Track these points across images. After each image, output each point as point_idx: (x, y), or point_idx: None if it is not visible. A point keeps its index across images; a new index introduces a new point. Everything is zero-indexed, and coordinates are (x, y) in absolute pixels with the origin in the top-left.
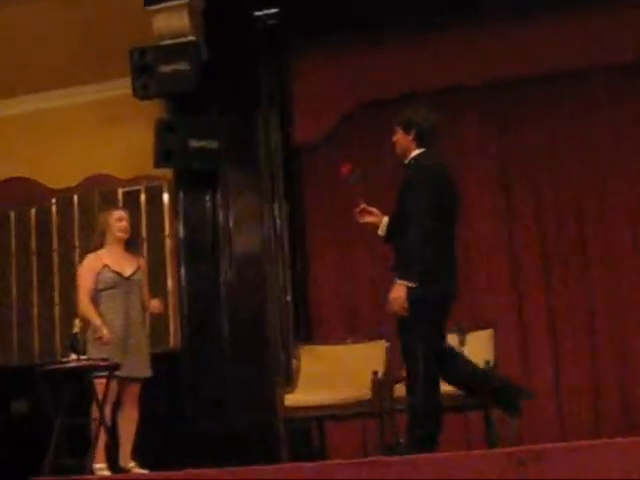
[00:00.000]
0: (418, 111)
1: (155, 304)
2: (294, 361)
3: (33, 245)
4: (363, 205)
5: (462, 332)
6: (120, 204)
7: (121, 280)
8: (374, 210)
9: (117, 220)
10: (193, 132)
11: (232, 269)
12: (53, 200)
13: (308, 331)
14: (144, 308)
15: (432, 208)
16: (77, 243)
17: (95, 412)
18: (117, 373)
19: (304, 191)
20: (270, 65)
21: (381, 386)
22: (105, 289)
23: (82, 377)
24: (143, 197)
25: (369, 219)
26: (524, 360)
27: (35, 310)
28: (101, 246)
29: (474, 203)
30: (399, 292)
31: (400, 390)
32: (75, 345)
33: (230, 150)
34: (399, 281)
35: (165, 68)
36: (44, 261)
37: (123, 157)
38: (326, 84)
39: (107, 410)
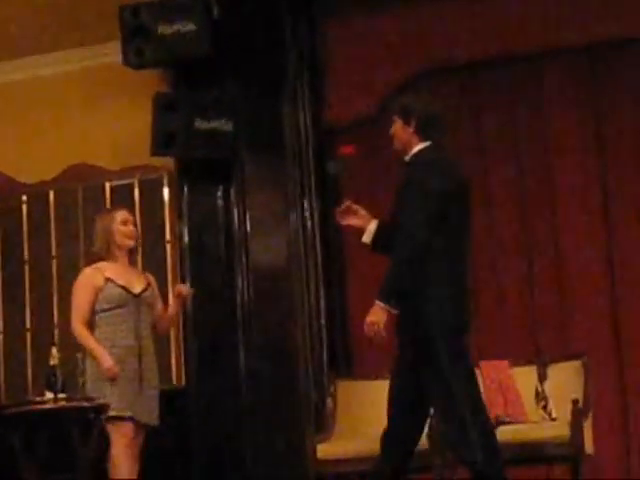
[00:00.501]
0: (419, 97)
1: (181, 288)
2: (329, 401)
3: None
4: (348, 203)
5: (543, 363)
6: (107, 202)
7: (130, 298)
8: (360, 210)
9: (122, 223)
10: (201, 111)
11: (250, 284)
12: (23, 197)
13: (347, 363)
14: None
15: (432, 217)
16: (54, 252)
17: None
18: (130, 414)
19: (341, 185)
20: (298, 26)
21: (439, 435)
22: (110, 308)
23: (61, 422)
24: (137, 193)
25: (352, 221)
26: (621, 397)
27: (0, 336)
28: (101, 258)
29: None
30: (376, 316)
31: None
32: (52, 381)
33: (248, 133)
34: (379, 303)
35: (165, 29)
36: (12, 275)
37: (112, 143)
38: (369, 51)
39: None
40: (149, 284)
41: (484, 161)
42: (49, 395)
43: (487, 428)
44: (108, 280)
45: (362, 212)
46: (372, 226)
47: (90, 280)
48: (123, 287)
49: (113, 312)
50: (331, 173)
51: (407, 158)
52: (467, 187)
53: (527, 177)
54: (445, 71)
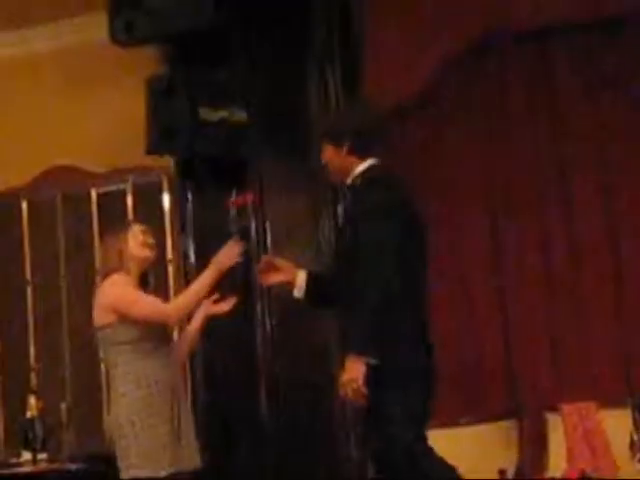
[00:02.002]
0: (346, 113)
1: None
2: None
3: None
4: (267, 257)
5: (639, 406)
6: (94, 213)
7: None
8: (282, 263)
9: (141, 234)
10: (206, 97)
11: (272, 313)
12: None
13: None
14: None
15: (399, 244)
16: (29, 275)
17: None
18: (184, 467)
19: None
20: None
21: None
22: (139, 339)
23: None
24: (130, 201)
25: (276, 279)
26: None
27: None
28: (111, 272)
29: None
30: (355, 371)
31: None
32: (30, 438)
33: (265, 125)
34: (353, 357)
35: None
36: None
37: (98, 139)
38: (413, 22)
39: None
40: None
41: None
42: (26, 455)
43: None
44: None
45: (285, 264)
46: (301, 278)
47: (125, 280)
48: None
49: (149, 339)
50: (234, 232)
51: (349, 182)
52: (418, 212)
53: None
54: (508, 41)
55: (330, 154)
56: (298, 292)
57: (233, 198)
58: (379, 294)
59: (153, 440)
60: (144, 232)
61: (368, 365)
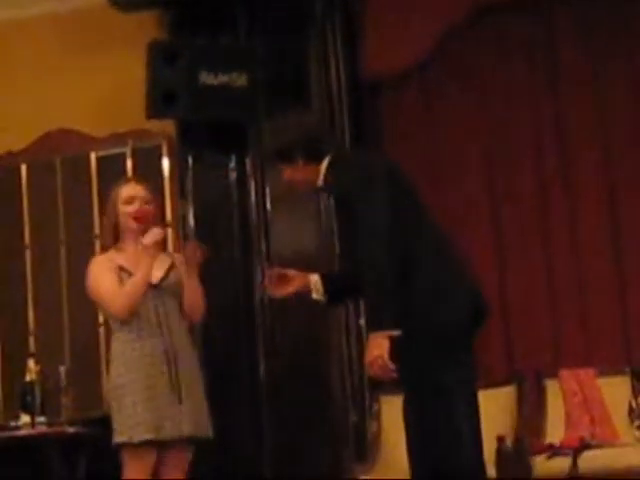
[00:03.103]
0: (287, 131)
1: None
2: (371, 422)
3: None
4: (275, 270)
5: (638, 373)
6: (93, 176)
7: (148, 289)
8: (290, 273)
9: (125, 202)
10: (207, 61)
11: None
12: None
13: None
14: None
15: (389, 208)
16: (27, 240)
17: None
18: (163, 436)
19: (383, 151)
20: None
21: (510, 460)
22: None
23: (40, 451)
24: (130, 165)
25: (288, 290)
26: None
27: None
28: (108, 248)
29: None
30: (378, 349)
31: (541, 467)
32: (28, 401)
33: (266, 89)
34: (373, 334)
35: None
36: None
37: (97, 103)
38: None
39: None
40: (171, 267)
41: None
42: (24, 418)
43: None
44: (121, 269)
45: (291, 273)
46: (315, 281)
47: (106, 264)
48: None
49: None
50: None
51: (320, 183)
52: (394, 163)
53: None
54: (509, 11)
55: (289, 173)
56: (318, 295)
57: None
58: (378, 267)
59: (132, 407)
60: (129, 200)
61: (391, 338)
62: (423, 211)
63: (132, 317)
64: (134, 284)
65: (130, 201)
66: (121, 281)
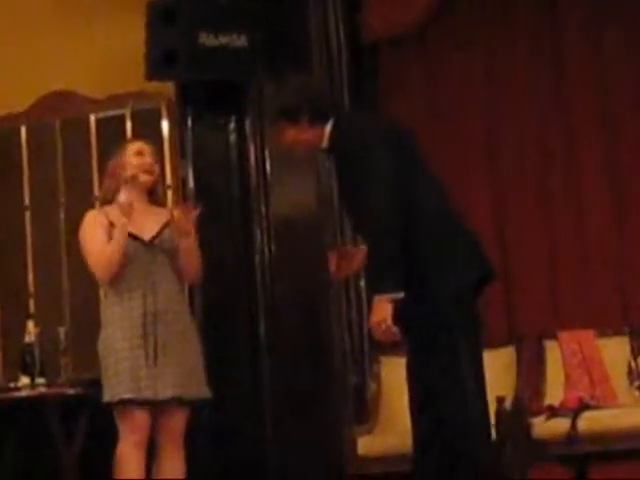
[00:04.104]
0: (294, 88)
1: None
2: (370, 383)
3: None
4: (337, 251)
5: (637, 334)
6: (92, 137)
7: (139, 247)
8: (351, 250)
9: (135, 155)
10: (207, 22)
11: (271, 239)
12: None
13: None
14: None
15: (392, 171)
16: (27, 201)
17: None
18: (145, 396)
19: (383, 112)
20: None
21: (509, 421)
22: None
23: (40, 412)
24: (129, 126)
25: (351, 268)
26: None
27: None
28: (109, 202)
29: None
30: (381, 312)
31: (540, 428)
32: (28, 362)
33: (266, 50)
34: (377, 296)
35: None
36: None
37: (96, 64)
38: None
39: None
40: (167, 224)
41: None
42: (24, 380)
43: (489, 424)
44: (112, 226)
45: (352, 250)
46: None
47: (97, 220)
48: (131, 235)
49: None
50: None
51: (325, 145)
52: (400, 126)
53: None
54: None
55: (292, 133)
56: None
57: None
58: (381, 231)
59: (114, 366)
60: (140, 152)
61: (395, 301)
62: (425, 172)
63: (115, 278)
64: (112, 247)
65: (140, 154)
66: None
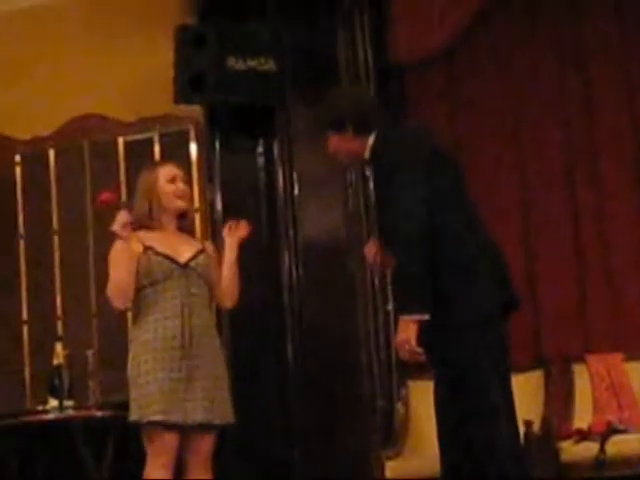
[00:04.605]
0: (340, 98)
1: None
2: (399, 406)
3: None
4: (373, 242)
5: None
6: (121, 160)
7: (175, 268)
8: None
9: (169, 181)
10: (235, 46)
11: (299, 263)
12: (16, 157)
13: None
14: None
15: (422, 191)
16: (55, 224)
17: None
18: (174, 419)
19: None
20: None
21: (538, 445)
22: (151, 284)
23: (69, 435)
24: (157, 149)
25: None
26: None
27: None
28: (141, 226)
29: None
30: (406, 332)
31: (569, 451)
32: (56, 385)
33: (294, 74)
34: (403, 317)
35: None
36: (3, 252)
37: (125, 88)
38: None
39: None
40: (202, 250)
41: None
42: (53, 403)
43: (519, 450)
44: (148, 249)
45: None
46: None
47: (123, 246)
48: (166, 256)
49: (154, 288)
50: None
51: (367, 155)
52: (440, 145)
53: None
54: None
55: (337, 142)
56: None
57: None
58: (411, 233)
59: (145, 387)
60: (173, 179)
61: (420, 322)
62: (461, 194)
63: (123, 306)
64: (117, 276)
65: (173, 180)
66: (146, 260)
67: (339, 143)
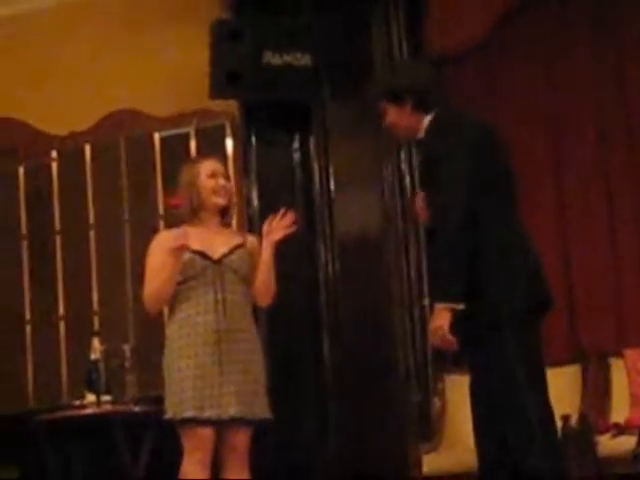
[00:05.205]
0: (403, 71)
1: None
2: (435, 401)
3: (23, 222)
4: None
5: None
6: (157, 156)
7: (208, 265)
8: None
9: (209, 176)
10: (271, 41)
11: (335, 257)
12: (53, 153)
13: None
14: (252, 305)
15: (469, 180)
16: (92, 219)
17: None
18: (208, 415)
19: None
20: None
21: (575, 439)
22: (185, 281)
23: (107, 430)
24: (193, 145)
25: None
26: None
27: (28, 327)
28: (184, 222)
29: None
30: (440, 320)
31: (606, 446)
32: (94, 379)
33: (330, 69)
34: (438, 305)
35: None
36: (40, 248)
37: (161, 83)
38: None
39: None
40: (240, 246)
41: None
42: (90, 397)
43: (555, 443)
44: (183, 248)
45: None
46: None
47: (162, 243)
48: (199, 252)
49: (188, 285)
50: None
51: (421, 135)
52: (497, 136)
53: None
54: None
55: (394, 115)
56: None
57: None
58: (453, 232)
59: (179, 383)
60: (214, 175)
61: (455, 310)
62: (508, 193)
63: (159, 310)
64: (158, 286)
65: (213, 176)
66: (177, 261)
67: (397, 116)
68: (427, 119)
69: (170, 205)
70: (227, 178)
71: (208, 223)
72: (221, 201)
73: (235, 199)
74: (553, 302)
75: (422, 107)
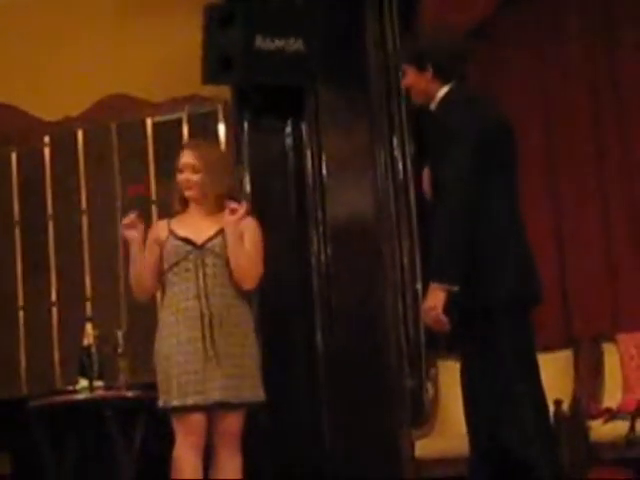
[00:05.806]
0: (431, 37)
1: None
2: (428, 386)
3: (15, 208)
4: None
5: None
6: (149, 141)
7: (191, 250)
8: None
9: (178, 171)
10: (264, 26)
11: (327, 243)
12: (45, 138)
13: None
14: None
15: (476, 167)
16: (84, 204)
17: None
18: (193, 401)
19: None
20: None
21: (567, 424)
22: (170, 267)
23: (99, 415)
24: (186, 130)
25: None
26: None
27: (20, 313)
28: (179, 211)
29: None
30: (434, 299)
31: (598, 431)
32: (86, 365)
33: (322, 54)
34: (433, 284)
35: None
36: (33, 234)
37: (153, 68)
38: None
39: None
40: (222, 230)
41: None
42: (83, 383)
43: (549, 431)
44: (171, 233)
45: None
46: None
47: (152, 234)
48: (184, 238)
49: (173, 271)
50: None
51: (433, 106)
52: (509, 128)
53: None
54: None
55: (413, 78)
56: None
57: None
58: (455, 213)
59: (167, 370)
60: (182, 169)
61: (449, 292)
62: (510, 179)
63: (146, 297)
64: (134, 273)
65: (182, 169)
66: (168, 245)
67: (416, 79)
68: (443, 90)
69: (130, 194)
70: (196, 170)
71: (195, 211)
72: (189, 194)
73: (211, 188)
74: (542, 296)
75: (442, 76)
